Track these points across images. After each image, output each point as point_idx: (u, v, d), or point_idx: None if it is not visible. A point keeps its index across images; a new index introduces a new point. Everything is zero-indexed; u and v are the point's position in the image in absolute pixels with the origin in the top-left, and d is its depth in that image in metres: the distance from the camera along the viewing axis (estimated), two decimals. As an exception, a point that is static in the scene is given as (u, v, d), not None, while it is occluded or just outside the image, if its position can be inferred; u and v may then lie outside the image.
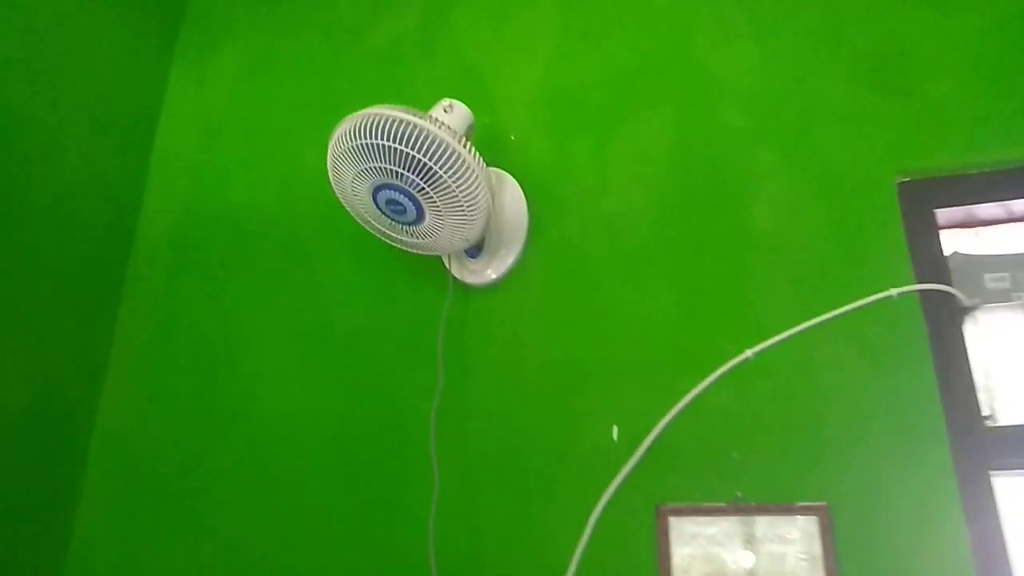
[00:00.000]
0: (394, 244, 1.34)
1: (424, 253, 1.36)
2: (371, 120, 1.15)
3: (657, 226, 1.41)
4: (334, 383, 1.47)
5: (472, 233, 1.29)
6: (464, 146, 1.20)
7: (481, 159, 1.23)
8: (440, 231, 1.27)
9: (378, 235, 1.33)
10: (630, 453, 1.26)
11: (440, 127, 1.18)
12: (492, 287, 1.45)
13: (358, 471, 1.40)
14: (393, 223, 1.27)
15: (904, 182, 1.31)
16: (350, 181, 1.23)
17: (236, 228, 1.68)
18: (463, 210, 1.24)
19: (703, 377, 1.27)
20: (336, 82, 1.74)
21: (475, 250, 1.43)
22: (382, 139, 1.15)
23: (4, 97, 1.47)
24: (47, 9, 1.59)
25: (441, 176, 1.19)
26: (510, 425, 1.34)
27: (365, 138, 1.15)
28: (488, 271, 1.44)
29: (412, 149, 1.16)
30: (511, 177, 1.49)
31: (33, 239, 1.51)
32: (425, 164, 1.17)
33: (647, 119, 1.49)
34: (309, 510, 1.40)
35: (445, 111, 1.29)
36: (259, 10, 1.90)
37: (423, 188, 1.20)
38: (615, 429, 1.29)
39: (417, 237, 1.30)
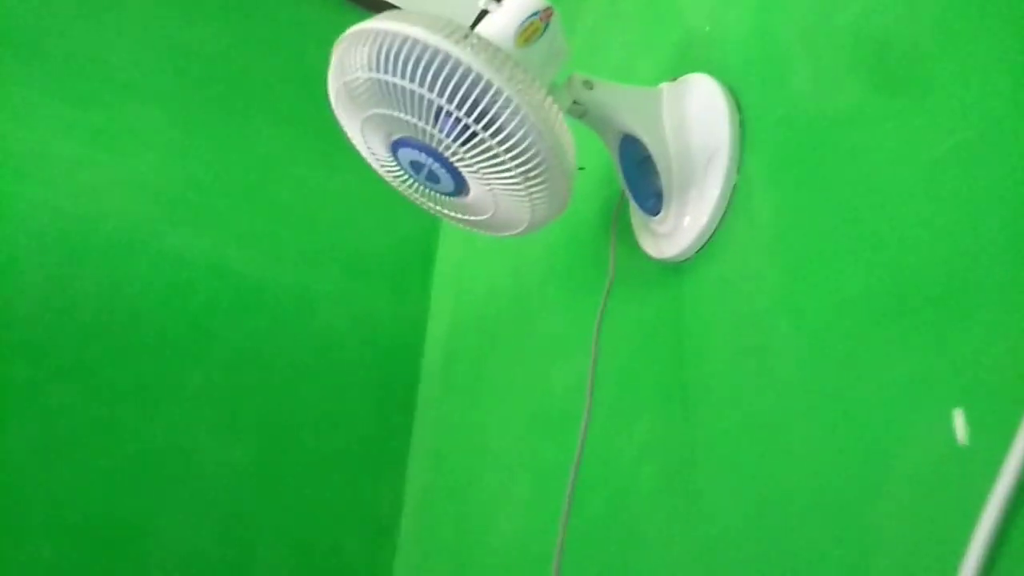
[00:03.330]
0: (454, 222, 0.88)
1: (492, 233, 0.86)
2: (365, 38, 0.71)
3: (947, 15, 0.66)
4: (556, 473, 0.98)
5: (547, 210, 0.77)
6: (513, 75, 0.69)
7: (547, 97, 0.72)
8: (496, 208, 0.79)
9: (421, 206, 0.89)
10: (999, 455, 0.49)
11: (473, 47, 0.69)
12: (703, 249, 0.84)
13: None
14: (431, 193, 0.83)
15: None
16: (359, 131, 0.81)
17: (480, 327, 1.38)
18: (518, 184, 0.74)
19: None
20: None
21: (653, 201, 0.86)
22: (380, 71, 0.70)
23: (279, 269, 1.52)
24: (314, 186, 1.66)
25: (477, 133, 0.71)
26: (767, 471, 0.67)
27: (359, 68, 0.72)
28: (684, 226, 0.84)
29: (428, 90, 0.69)
30: (706, 77, 0.91)
31: (313, 409, 1.44)
32: (451, 115, 0.70)
33: None
34: None
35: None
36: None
37: (453, 150, 0.74)
38: (958, 418, 0.53)
39: (467, 214, 0.82)
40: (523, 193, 0.77)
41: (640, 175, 0.87)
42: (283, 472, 1.36)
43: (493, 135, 0.72)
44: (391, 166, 0.82)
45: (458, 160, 0.76)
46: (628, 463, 0.83)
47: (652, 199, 0.86)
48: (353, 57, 0.73)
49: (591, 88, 0.86)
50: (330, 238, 1.62)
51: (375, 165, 0.85)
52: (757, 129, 0.82)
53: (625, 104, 0.88)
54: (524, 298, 1.22)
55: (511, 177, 0.75)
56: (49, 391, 1.25)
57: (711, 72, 0.92)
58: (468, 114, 0.70)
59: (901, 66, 0.67)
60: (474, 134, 0.72)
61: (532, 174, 0.75)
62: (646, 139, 0.86)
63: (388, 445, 1.49)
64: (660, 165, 0.85)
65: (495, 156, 0.73)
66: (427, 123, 0.73)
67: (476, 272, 1.48)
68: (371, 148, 0.82)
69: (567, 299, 1.10)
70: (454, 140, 0.73)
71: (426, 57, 0.69)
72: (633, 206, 0.89)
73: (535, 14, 0.82)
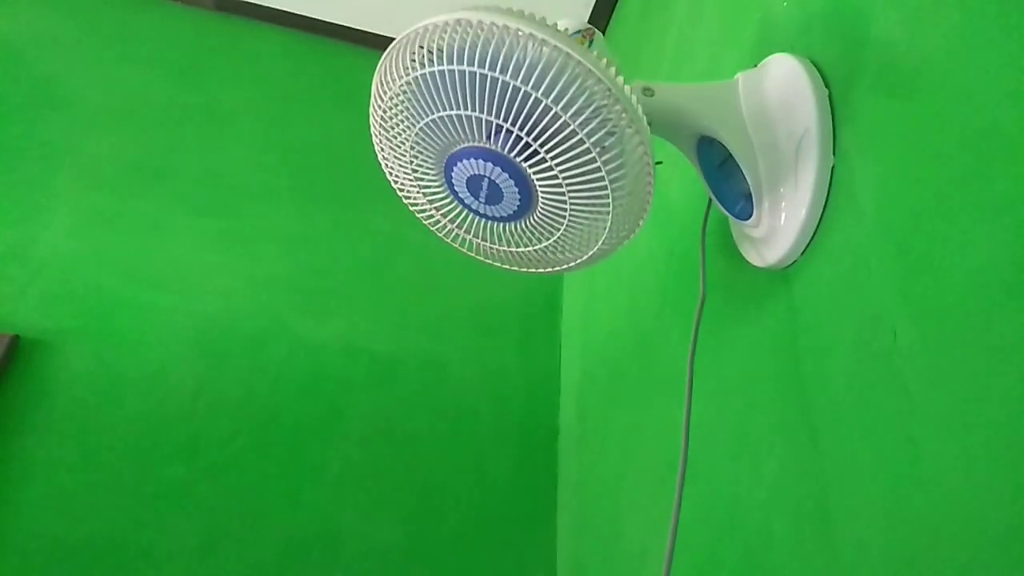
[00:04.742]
0: (484, 260, 0.80)
1: (527, 270, 0.77)
2: (417, 37, 0.62)
3: None
4: (696, 525, 0.86)
5: (626, 218, 0.67)
6: (587, 55, 0.60)
7: (633, 95, 0.62)
8: (564, 227, 0.70)
9: (475, 251, 0.81)
10: None
11: (539, 23, 0.60)
12: (810, 247, 0.72)
13: None
14: (485, 226, 0.75)
15: None
16: (409, 148, 0.72)
17: (606, 372, 1.28)
18: (599, 178, 0.64)
19: None
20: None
21: (742, 204, 0.75)
22: (437, 63, 0.62)
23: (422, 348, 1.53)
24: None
25: (574, 130, 0.62)
26: (905, 506, 0.53)
27: (410, 70, 0.64)
28: (781, 224, 0.73)
29: (517, 80, 0.60)
30: (784, 56, 0.80)
31: (455, 479, 1.41)
32: (547, 108, 0.61)
33: None
34: None
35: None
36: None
37: (538, 155, 0.64)
38: None
39: (525, 244, 0.74)
40: (603, 191, 0.66)
41: (723, 178, 0.77)
42: (431, 547, 1.33)
43: (582, 125, 0.63)
44: (440, 196, 0.76)
45: (531, 159, 0.66)
46: (759, 509, 0.71)
47: (740, 202, 0.76)
48: (397, 65, 0.66)
49: (652, 95, 0.77)
50: (455, 303, 1.61)
51: (418, 205, 0.80)
52: (849, 99, 0.70)
53: (693, 104, 0.78)
54: (643, 335, 1.13)
55: (591, 168, 0.64)
56: (202, 489, 1.30)
57: (793, 50, 0.81)
58: (558, 102, 0.61)
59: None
60: (554, 124, 0.64)
61: (615, 169, 0.65)
62: (722, 136, 0.76)
63: (534, 509, 1.42)
64: (743, 162, 0.75)
65: (578, 143, 0.64)
66: (497, 116, 0.63)
67: (598, 316, 1.40)
68: (419, 174, 0.76)
69: (681, 329, 1.00)
70: (529, 133, 0.64)
71: (481, 37, 0.61)
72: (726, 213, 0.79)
73: (577, 32, 0.76)
